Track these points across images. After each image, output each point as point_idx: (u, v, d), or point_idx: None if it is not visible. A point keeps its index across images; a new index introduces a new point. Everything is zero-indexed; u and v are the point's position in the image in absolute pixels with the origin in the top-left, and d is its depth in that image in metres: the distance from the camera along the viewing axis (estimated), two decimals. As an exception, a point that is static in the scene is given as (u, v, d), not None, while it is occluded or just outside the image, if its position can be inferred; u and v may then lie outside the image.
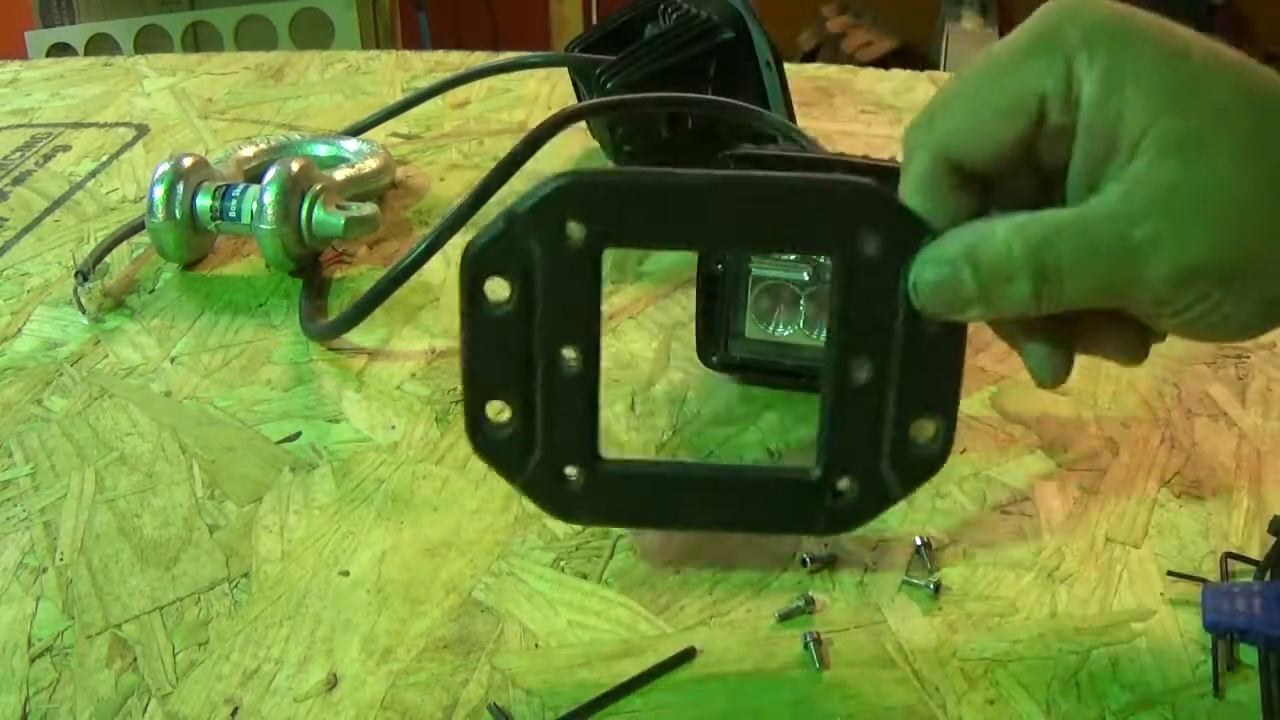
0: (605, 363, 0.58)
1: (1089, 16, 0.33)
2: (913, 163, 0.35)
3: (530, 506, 0.49)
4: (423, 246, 0.58)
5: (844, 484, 0.37)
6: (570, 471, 0.38)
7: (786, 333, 0.53)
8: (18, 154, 0.84)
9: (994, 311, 0.35)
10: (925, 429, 0.36)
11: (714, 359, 0.54)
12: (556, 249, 0.36)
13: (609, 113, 0.69)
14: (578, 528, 0.48)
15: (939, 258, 0.35)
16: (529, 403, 0.37)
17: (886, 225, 0.35)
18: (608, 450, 0.39)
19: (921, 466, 0.37)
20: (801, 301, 0.52)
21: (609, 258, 0.67)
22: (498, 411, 0.38)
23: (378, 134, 0.82)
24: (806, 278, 0.52)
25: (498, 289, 0.37)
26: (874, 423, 0.36)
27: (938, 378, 0.36)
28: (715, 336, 0.54)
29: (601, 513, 0.40)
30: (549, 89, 0.90)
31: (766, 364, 0.54)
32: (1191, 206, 0.32)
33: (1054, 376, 0.37)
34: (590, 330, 0.37)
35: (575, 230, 0.35)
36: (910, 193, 0.36)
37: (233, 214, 0.64)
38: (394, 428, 0.54)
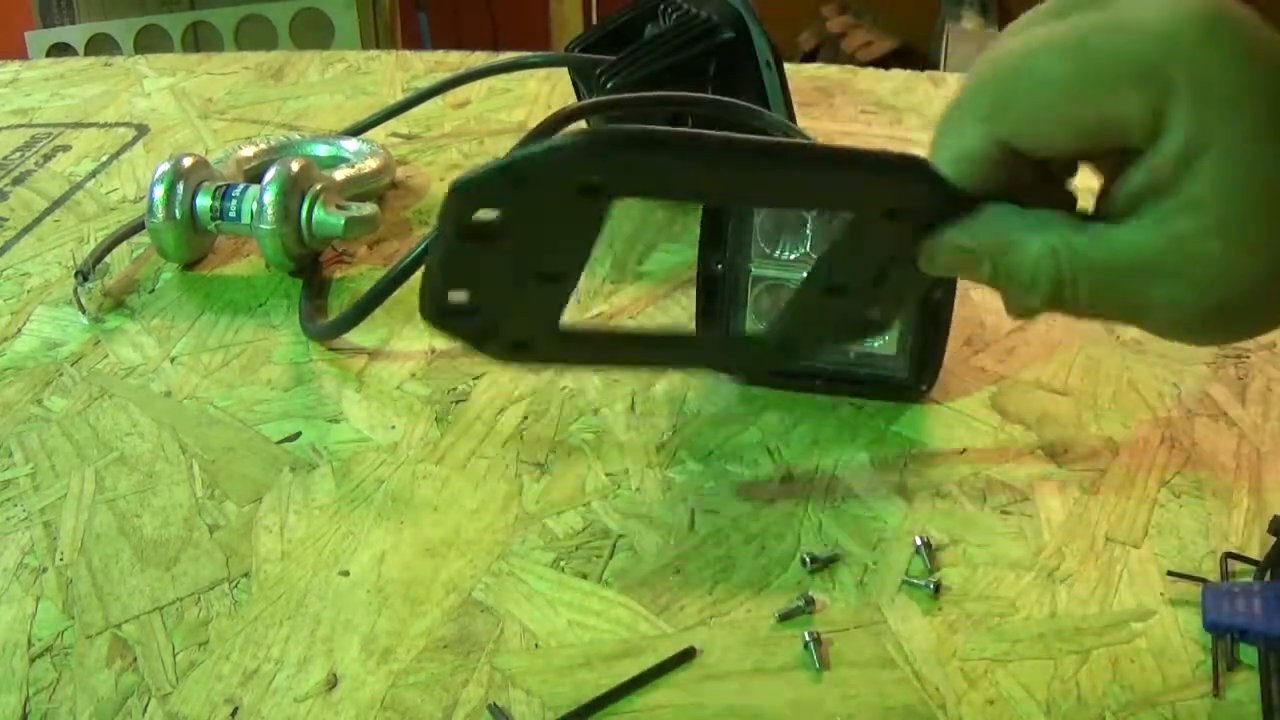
0: (605, 363, 0.58)
1: (1201, 62, 0.30)
2: (965, 135, 0.33)
3: (530, 506, 0.49)
4: (422, 246, 0.58)
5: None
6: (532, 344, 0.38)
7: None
8: (18, 154, 0.84)
9: (994, 288, 0.35)
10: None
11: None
12: (563, 193, 0.33)
13: (609, 112, 0.69)
14: (578, 527, 0.48)
15: (963, 245, 0.34)
16: (499, 302, 0.36)
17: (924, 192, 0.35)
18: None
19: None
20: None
21: (611, 246, 0.67)
22: (461, 299, 0.36)
23: (378, 134, 0.82)
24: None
25: (484, 215, 0.34)
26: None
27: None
28: (712, 332, 0.54)
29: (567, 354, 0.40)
30: (549, 89, 0.90)
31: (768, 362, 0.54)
32: (1215, 277, 0.31)
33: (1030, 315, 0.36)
34: (578, 270, 0.36)
35: (586, 178, 0.33)
36: (949, 160, 0.34)
37: (233, 214, 0.64)
38: (394, 428, 0.54)
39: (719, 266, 0.52)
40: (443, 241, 0.34)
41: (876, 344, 0.52)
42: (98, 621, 0.44)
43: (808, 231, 0.52)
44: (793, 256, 0.52)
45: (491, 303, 0.36)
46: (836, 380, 0.53)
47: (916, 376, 0.53)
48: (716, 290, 0.53)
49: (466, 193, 0.33)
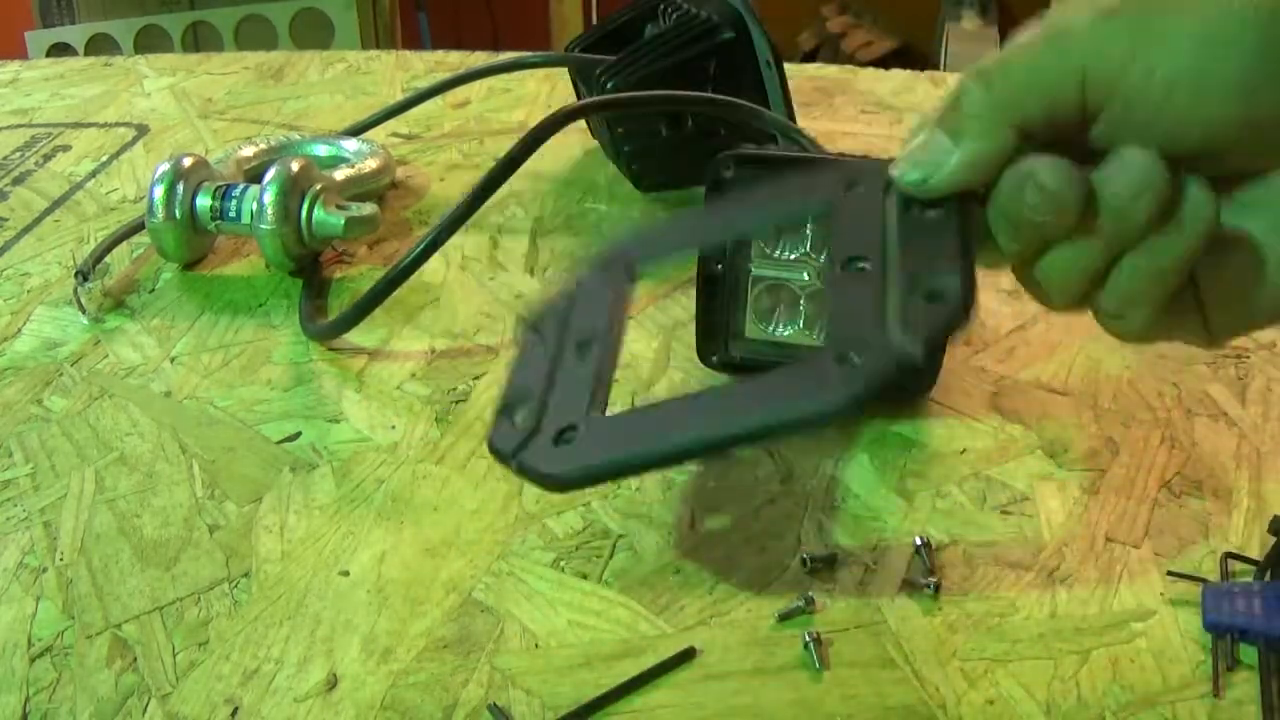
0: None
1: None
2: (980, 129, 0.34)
3: (530, 506, 0.49)
4: (422, 246, 0.58)
5: (851, 356, 0.32)
6: (569, 434, 0.35)
7: (786, 333, 0.53)
8: (18, 154, 0.84)
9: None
10: (936, 284, 0.33)
11: (714, 359, 0.54)
12: (593, 278, 0.40)
13: (608, 111, 0.69)
14: (578, 527, 0.48)
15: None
16: (545, 397, 0.37)
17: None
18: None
19: (935, 318, 0.33)
20: (801, 301, 0.52)
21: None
22: (515, 411, 0.37)
23: (378, 134, 0.82)
24: (807, 278, 0.52)
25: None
26: (877, 299, 0.34)
27: (941, 247, 0.34)
28: (715, 336, 0.54)
29: (600, 454, 0.35)
30: (549, 89, 0.90)
31: (766, 364, 0.54)
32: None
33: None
34: (613, 328, 0.38)
35: (614, 267, 0.39)
36: (974, 133, 0.34)
37: (233, 214, 0.64)
38: (394, 428, 0.54)
39: (719, 267, 0.52)
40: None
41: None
42: (98, 621, 0.44)
43: (808, 231, 0.52)
44: (793, 256, 0.52)
45: (539, 403, 0.37)
46: None
47: (916, 373, 0.52)
48: (716, 290, 0.53)
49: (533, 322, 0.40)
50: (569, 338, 0.38)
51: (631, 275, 0.39)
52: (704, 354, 0.54)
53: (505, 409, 0.36)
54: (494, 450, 0.36)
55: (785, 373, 0.33)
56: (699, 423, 0.33)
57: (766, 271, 0.52)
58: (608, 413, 0.36)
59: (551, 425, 0.35)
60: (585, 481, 0.35)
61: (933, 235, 0.34)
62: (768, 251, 0.52)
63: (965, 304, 0.33)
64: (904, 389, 0.32)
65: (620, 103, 0.67)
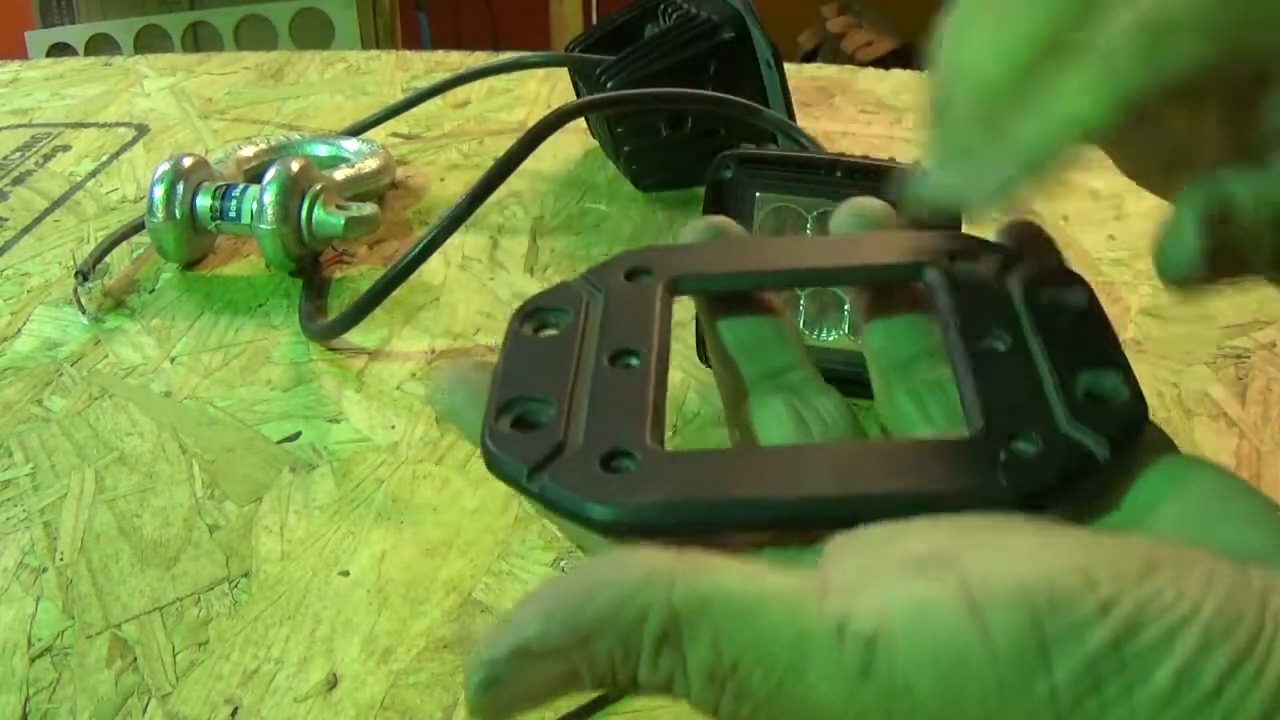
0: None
1: None
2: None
3: (530, 506, 0.49)
4: (422, 244, 0.58)
5: (1020, 444, 0.26)
6: (621, 461, 0.27)
7: None
8: (18, 154, 0.84)
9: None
10: (1099, 380, 0.28)
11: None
12: (624, 287, 0.32)
13: (608, 109, 0.69)
14: (578, 528, 0.48)
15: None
16: (568, 406, 0.29)
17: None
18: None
19: (1111, 417, 0.27)
20: (802, 301, 0.52)
21: (611, 247, 0.67)
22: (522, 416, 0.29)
23: (378, 134, 0.82)
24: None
25: (547, 332, 0.31)
26: (1030, 386, 0.28)
27: (1087, 334, 0.29)
28: None
29: (676, 493, 0.26)
30: (549, 89, 0.90)
31: None
32: None
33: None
34: (657, 341, 0.31)
35: (647, 279, 0.32)
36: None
37: (233, 214, 0.64)
38: (394, 428, 0.54)
39: None
40: (509, 347, 0.30)
41: None
42: (98, 621, 0.44)
43: (808, 231, 0.52)
44: None
45: (559, 406, 0.28)
46: (835, 380, 0.53)
47: None
48: None
49: (529, 310, 0.32)
50: (595, 343, 0.30)
51: (673, 290, 0.32)
52: (704, 354, 0.54)
53: (501, 410, 0.28)
54: (498, 463, 0.27)
55: (931, 446, 0.27)
56: (810, 478, 0.26)
57: None
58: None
59: (592, 444, 0.27)
60: (647, 525, 0.25)
61: (1074, 325, 0.30)
62: None
63: (1141, 405, 0.28)
64: (1073, 492, 0.26)
65: (620, 100, 0.67)
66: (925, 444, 0.27)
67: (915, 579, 0.21)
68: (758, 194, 0.51)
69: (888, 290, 0.32)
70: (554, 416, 0.27)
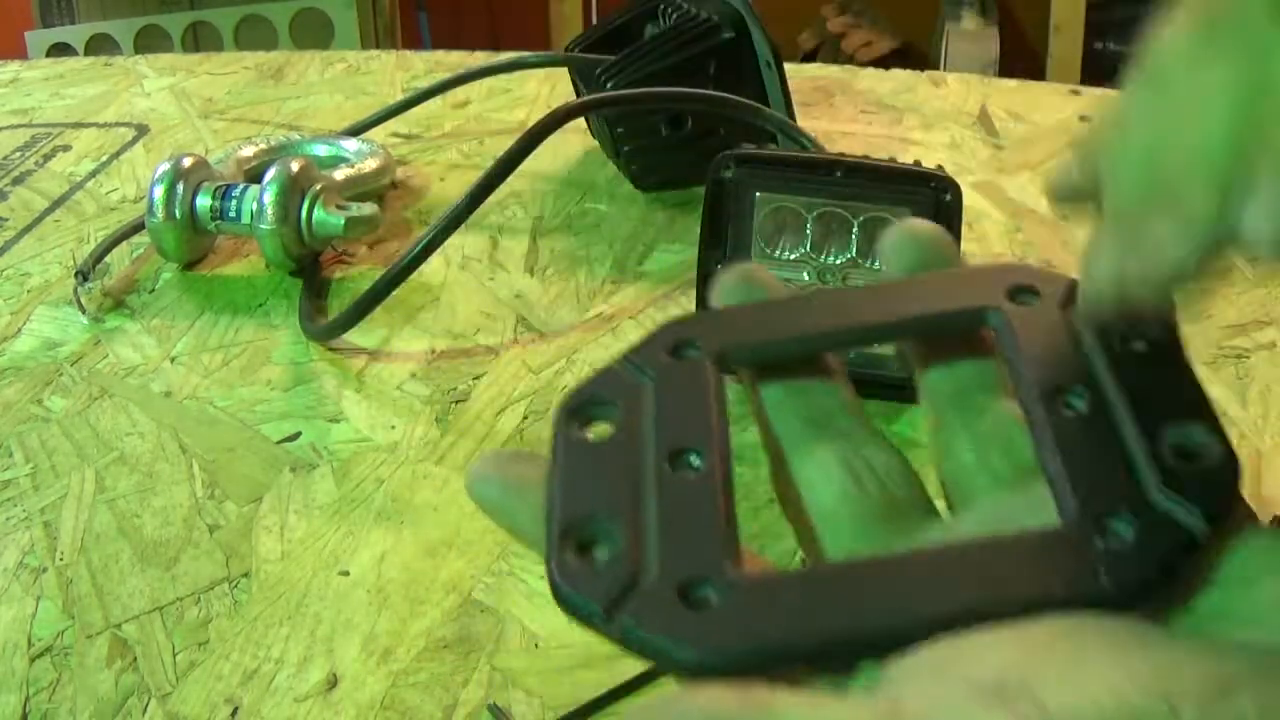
0: (607, 363, 0.58)
1: None
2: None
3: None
4: (422, 244, 0.58)
5: (1115, 525, 0.25)
6: (701, 591, 0.25)
7: None
8: (18, 154, 0.84)
9: None
10: (1187, 435, 0.26)
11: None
12: (672, 368, 0.30)
13: (607, 109, 0.69)
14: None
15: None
16: (635, 525, 0.27)
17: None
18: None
19: (1205, 482, 0.25)
20: None
21: (611, 246, 0.67)
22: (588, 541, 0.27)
23: (378, 134, 0.82)
24: (807, 278, 0.52)
25: (599, 430, 0.29)
26: (1113, 451, 0.26)
27: (1170, 385, 0.28)
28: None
29: (753, 632, 0.24)
30: (549, 89, 0.90)
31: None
32: None
33: None
34: (716, 434, 0.29)
35: (693, 354, 0.30)
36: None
37: (233, 214, 0.64)
38: (394, 428, 0.54)
39: (719, 267, 0.52)
40: (561, 460, 0.28)
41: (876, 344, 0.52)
42: (98, 621, 0.44)
43: (808, 231, 0.52)
44: (793, 256, 0.52)
45: (627, 529, 0.26)
46: None
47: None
48: None
49: (573, 407, 0.29)
50: (652, 441, 0.28)
51: (724, 367, 0.30)
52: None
53: (565, 535, 0.26)
54: (570, 600, 0.26)
55: (1024, 542, 0.25)
56: (905, 597, 0.24)
57: (771, 270, 0.52)
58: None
59: (668, 572, 0.25)
60: (734, 668, 0.23)
61: (1153, 368, 0.28)
62: (768, 250, 0.52)
63: (1234, 463, 0.26)
64: (1173, 579, 0.24)
65: (620, 100, 0.67)
66: (1017, 540, 0.25)
67: (993, 711, 0.20)
68: (757, 194, 0.51)
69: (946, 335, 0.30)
70: (622, 539, 0.26)
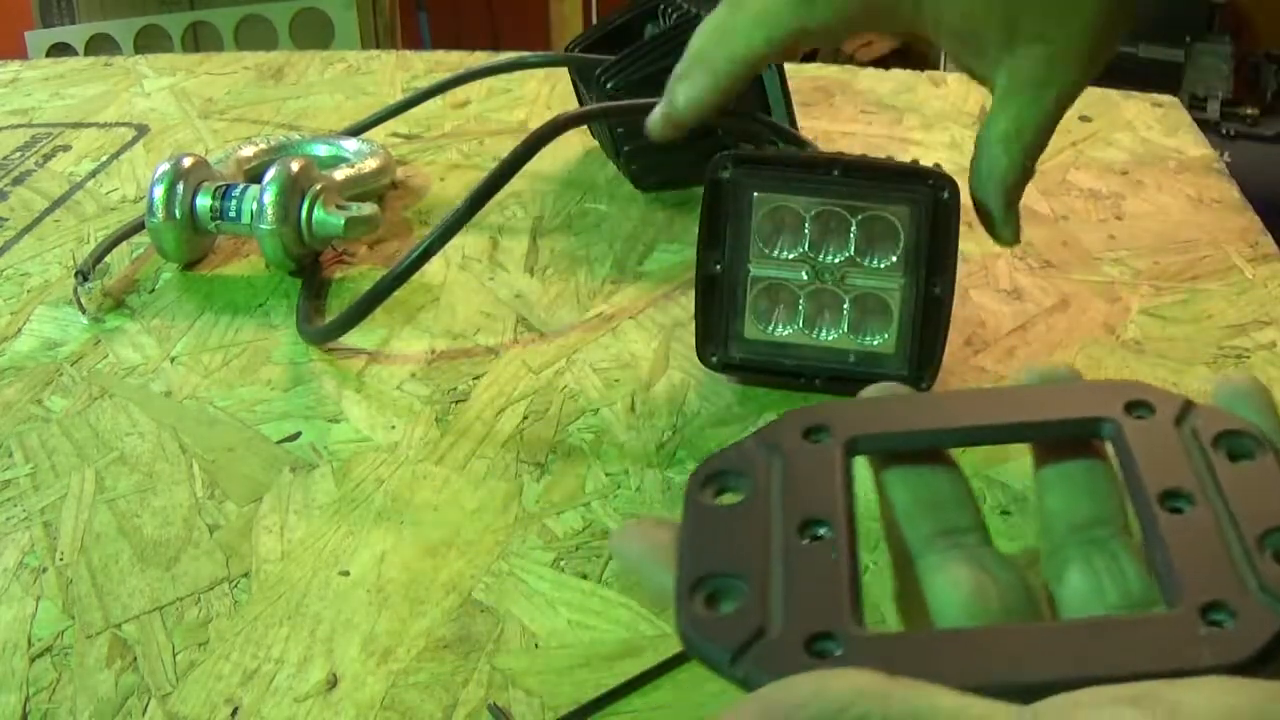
0: (607, 364, 0.58)
1: None
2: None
3: (530, 506, 0.49)
4: (420, 250, 0.57)
5: (1217, 616, 0.27)
6: (826, 645, 0.27)
7: (786, 332, 0.53)
8: (18, 154, 0.84)
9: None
10: None
11: (714, 359, 0.54)
12: (802, 449, 0.32)
13: (607, 119, 0.70)
14: (578, 527, 0.48)
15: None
16: (762, 583, 0.28)
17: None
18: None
19: None
20: (800, 301, 0.52)
21: (611, 246, 0.67)
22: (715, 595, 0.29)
23: (378, 134, 0.82)
24: (805, 277, 0.52)
25: (728, 498, 0.31)
26: (1219, 550, 0.29)
27: (1271, 494, 0.30)
28: (715, 337, 0.54)
29: None
30: (549, 89, 0.90)
31: (766, 364, 0.54)
32: None
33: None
34: (843, 509, 0.30)
35: (824, 438, 0.32)
36: None
37: (233, 214, 0.64)
38: (394, 428, 0.54)
39: (718, 267, 0.52)
40: (691, 519, 0.30)
41: (875, 342, 0.52)
42: (98, 621, 0.44)
43: (806, 230, 0.52)
44: (791, 256, 0.52)
45: (753, 583, 0.28)
46: (835, 379, 0.53)
47: (916, 374, 0.52)
48: (716, 291, 0.53)
49: (704, 478, 0.31)
50: (780, 511, 0.30)
51: (851, 451, 0.32)
52: (704, 354, 0.54)
53: (694, 588, 0.28)
54: (698, 646, 0.27)
55: (1133, 623, 0.27)
56: (1017, 664, 0.26)
57: (766, 271, 0.52)
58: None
59: (793, 626, 0.27)
60: None
61: (1256, 479, 0.30)
62: (766, 250, 0.52)
63: None
64: (1271, 657, 0.27)
65: (619, 111, 0.67)
66: (1131, 621, 0.27)
67: (1123, 708, 0.22)
68: (755, 194, 0.51)
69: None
70: (749, 594, 0.27)
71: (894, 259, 0.51)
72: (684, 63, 0.50)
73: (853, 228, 0.51)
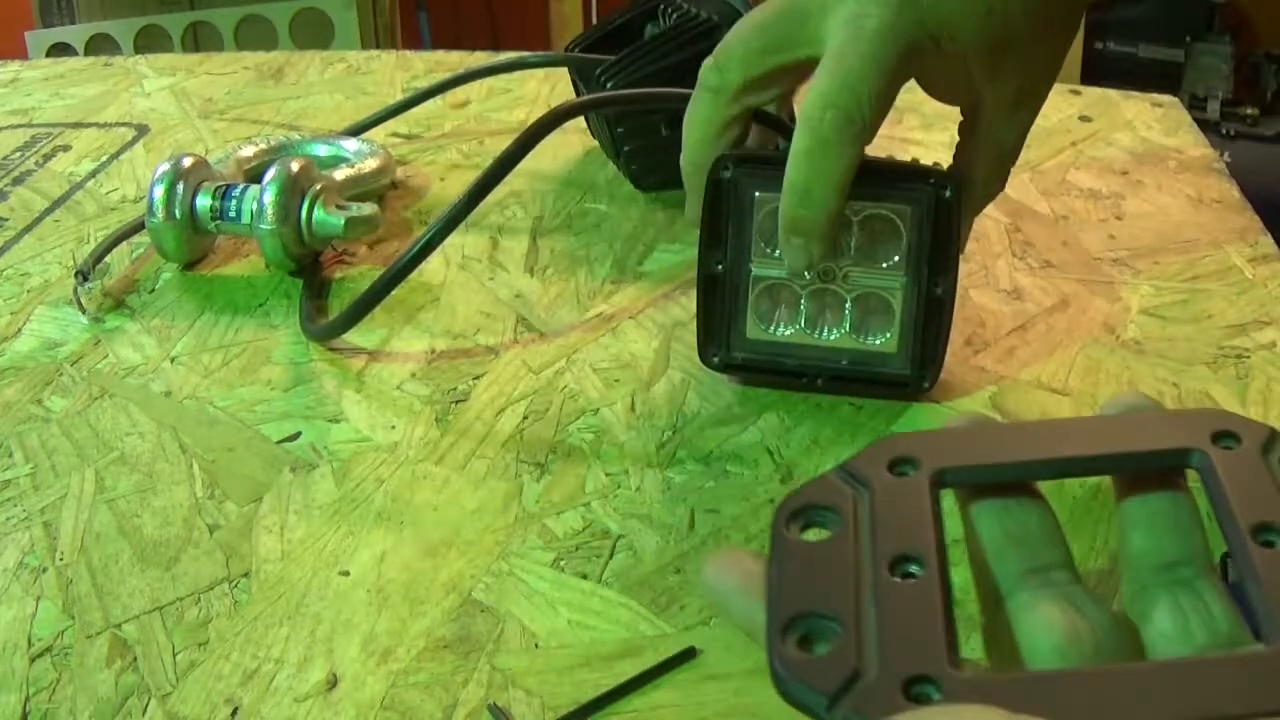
0: (607, 364, 0.58)
1: None
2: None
3: (530, 506, 0.49)
4: (420, 244, 0.57)
5: None
6: (924, 689, 0.26)
7: (788, 332, 0.53)
8: (18, 154, 0.84)
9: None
10: None
11: (716, 360, 0.54)
12: (890, 483, 0.31)
13: (604, 109, 0.69)
14: (578, 527, 0.48)
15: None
16: (855, 624, 0.28)
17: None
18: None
19: None
20: (802, 301, 0.52)
21: (611, 246, 0.67)
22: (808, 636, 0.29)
23: (378, 134, 0.82)
24: (807, 277, 0.52)
25: (816, 534, 0.31)
26: None
27: None
28: (716, 337, 0.54)
29: None
30: (549, 89, 0.91)
31: (768, 364, 0.54)
32: None
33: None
34: (934, 545, 0.30)
35: (910, 471, 0.32)
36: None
37: (233, 214, 0.64)
38: (394, 428, 0.54)
39: (719, 267, 0.52)
40: (779, 556, 0.30)
41: (877, 342, 0.52)
42: (98, 621, 0.44)
43: None
44: None
45: (846, 622, 0.28)
46: (837, 379, 0.53)
47: (918, 374, 0.52)
48: (717, 290, 0.53)
49: (791, 512, 0.31)
50: (870, 548, 0.29)
51: (938, 484, 0.31)
52: (705, 355, 0.54)
53: (786, 629, 0.28)
54: (792, 688, 0.27)
55: (1239, 661, 0.27)
56: (1127, 707, 0.25)
57: (768, 271, 0.52)
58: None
59: (890, 668, 0.26)
60: None
61: None
62: (767, 250, 0.52)
63: None
64: None
65: (618, 101, 0.67)
66: (1229, 659, 0.27)
67: None
68: (756, 194, 0.51)
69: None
70: (843, 636, 0.27)
71: (896, 258, 0.51)
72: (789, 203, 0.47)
73: (854, 227, 0.51)
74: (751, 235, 0.52)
